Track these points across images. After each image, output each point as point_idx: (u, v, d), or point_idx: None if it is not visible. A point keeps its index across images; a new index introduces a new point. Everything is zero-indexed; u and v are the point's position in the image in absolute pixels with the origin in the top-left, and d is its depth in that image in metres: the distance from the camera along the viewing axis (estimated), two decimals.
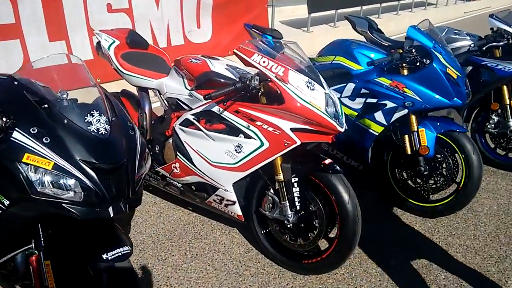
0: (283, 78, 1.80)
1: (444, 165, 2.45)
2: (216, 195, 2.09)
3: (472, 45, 3.09)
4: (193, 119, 2.05)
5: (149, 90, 2.46)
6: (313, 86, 1.83)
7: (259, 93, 1.89)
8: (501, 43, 3.03)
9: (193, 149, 2.07)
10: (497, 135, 3.19)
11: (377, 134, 2.53)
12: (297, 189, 1.92)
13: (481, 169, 2.36)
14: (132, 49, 2.55)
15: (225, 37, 5.77)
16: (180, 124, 2.12)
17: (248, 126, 1.89)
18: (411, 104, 2.37)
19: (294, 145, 1.83)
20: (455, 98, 2.33)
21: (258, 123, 1.86)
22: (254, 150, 1.88)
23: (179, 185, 2.25)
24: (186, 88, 2.18)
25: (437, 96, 2.33)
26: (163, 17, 4.92)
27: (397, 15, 10.41)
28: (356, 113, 2.58)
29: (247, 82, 1.83)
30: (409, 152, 2.46)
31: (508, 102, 3.05)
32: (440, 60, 2.31)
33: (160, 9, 4.86)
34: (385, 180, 2.66)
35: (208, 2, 5.37)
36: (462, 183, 2.40)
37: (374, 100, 2.50)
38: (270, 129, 1.84)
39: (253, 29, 3.22)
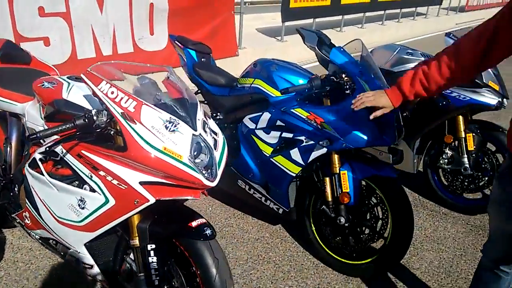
0: (133, 115, 1.38)
1: (368, 217, 2.03)
2: (70, 255, 1.67)
3: None
4: (40, 159, 1.64)
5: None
6: (175, 126, 1.40)
7: (112, 133, 1.47)
8: None
9: (39, 198, 1.65)
10: (451, 172, 2.78)
11: (294, 175, 2.12)
12: (154, 258, 1.50)
13: (411, 223, 1.94)
14: (5, 64, 2.13)
15: None
16: (29, 165, 1.70)
17: (91, 175, 1.47)
18: (328, 142, 1.97)
19: (147, 204, 1.41)
20: (382, 137, 1.92)
21: (102, 173, 1.44)
22: (99, 208, 1.47)
23: (37, 237, 1.83)
24: (41, 118, 1.77)
25: (359, 135, 1.92)
26: (108, 22, 4.51)
27: (383, 25, 10.03)
28: (271, 149, 2.17)
29: (93, 118, 1.42)
30: (329, 199, 2.05)
31: (463, 135, 2.64)
32: (364, 90, 1.90)
33: (104, 14, 4.45)
34: (306, 229, 2.25)
35: (163, 8, 4.97)
36: (389, 239, 1.98)
37: (290, 135, 2.09)
38: (115, 182, 1.42)
39: (176, 42, 2.82)
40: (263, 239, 2.40)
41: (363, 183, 2.04)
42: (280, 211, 2.28)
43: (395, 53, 2.86)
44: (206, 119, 1.59)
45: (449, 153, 2.73)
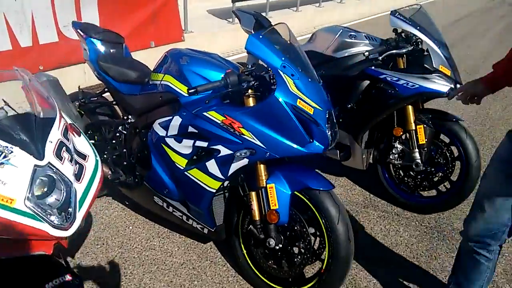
0: None
1: (302, 237, 1.71)
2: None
3: (370, 51, 2.33)
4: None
5: None
6: (4, 157, 1.01)
7: None
8: (404, 50, 2.31)
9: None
10: (402, 168, 2.51)
11: (213, 191, 1.76)
12: None
13: (348, 246, 1.62)
14: None
15: (118, 32, 4.81)
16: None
17: None
18: (248, 152, 1.61)
19: None
20: (313, 143, 1.59)
21: None
22: None
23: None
24: None
25: (285, 142, 1.58)
26: (23, 9, 3.93)
27: (342, 3, 9.70)
28: (185, 160, 1.80)
29: None
30: (257, 217, 1.72)
31: (413, 128, 2.36)
32: (287, 87, 1.55)
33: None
34: (236, 251, 1.91)
35: None
36: (325, 264, 1.67)
37: (205, 144, 1.71)
38: None
39: (78, 30, 2.35)
40: (189, 263, 2.05)
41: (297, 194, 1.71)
42: (205, 230, 1.93)
43: (336, 36, 2.53)
44: (69, 138, 1.19)
45: (399, 147, 2.45)
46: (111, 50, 2.33)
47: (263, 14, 7.31)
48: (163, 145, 1.84)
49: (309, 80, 1.62)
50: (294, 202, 1.68)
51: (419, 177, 2.45)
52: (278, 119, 1.56)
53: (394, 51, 2.30)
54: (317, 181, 1.67)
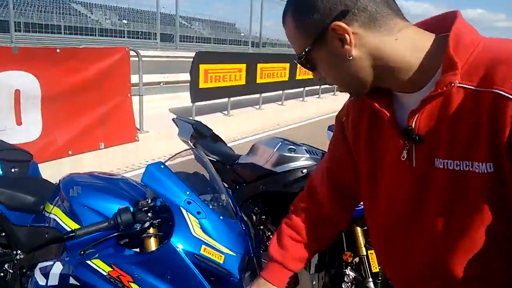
0: None
1: None
2: None
3: (309, 168, 2.11)
4: None
5: None
6: None
7: None
8: None
9: None
10: None
11: None
12: None
13: None
14: None
15: (63, 134, 4.58)
16: None
17: None
18: None
19: None
20: None
21: None
22: None
23: None
24: None
25: None
26: None
27: (304, 102, 10.04)
28: None
29: None
30: None
31: (364, 253, 2.04)
32: (189, 230, 1.23)
33: None
34: None
35: (34, 94, 4.23)
36: None
37: None
38: None
39: None
40: None
41: None
42: None
43: (275, 150, 2.32)
44: None
45: (351, 274, 2.10)
46: (12, 170, 2.01)
47: (225, 112, 7.37)
48: None
49: (221, 217, 1.32)
50: None
51: None
52: (175, 272, 1.21)
53: None
54: None
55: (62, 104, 4.53)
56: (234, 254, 1.27)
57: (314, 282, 2.22)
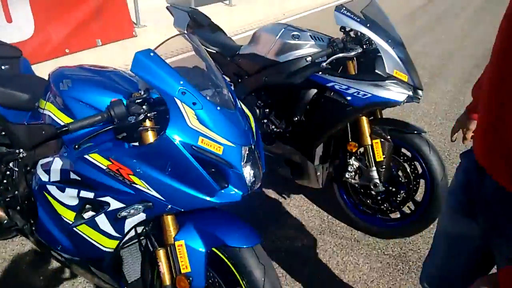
0: None
1: None
2: None
3: (314, 55, 1.96)
4: None
5: None
6: None
7: None
8: (353, 53, 1.95)
9: None
10: (360, 188, 2.18)
11: (111, 250, 1.39)
12: None
13: None
14: None
15: (58, 31, 4.35)
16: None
17: None
18: (145, 205, 1.25)
19: None
20: (228, 189, 1.23)
21: None
22: None
23: None
24: None
25: (188, 191, 1.21)
26: None
27: None
28: (73, 214, 1.41)
29: None
30: (167, 283, 1.35)
31: (369, 142, 2.02)
32: (185, 121, 1.17)
33: None
34: None
35: None
36: None
37: (91, 195, 1.34)
38: None
39: None
40: None
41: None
42: None
43: (277, 37, 2.14)
44: None
45: (355, 164, 2.11)
46: (2, 67, 1.92)
47: (227, 2, 6.81)
48: (46, 194, 1.45)
49: (218, 108, 1.24)
50: (213, 261, 1.33)
51: (379, 197, 2.13)
52: (174, 164, 1.19)
53: (341, 54, 1.94)
54: (237, 235, 1.31)
55: None
56: (234, 145, 1.22)
57: (318, 173, 2.23)
